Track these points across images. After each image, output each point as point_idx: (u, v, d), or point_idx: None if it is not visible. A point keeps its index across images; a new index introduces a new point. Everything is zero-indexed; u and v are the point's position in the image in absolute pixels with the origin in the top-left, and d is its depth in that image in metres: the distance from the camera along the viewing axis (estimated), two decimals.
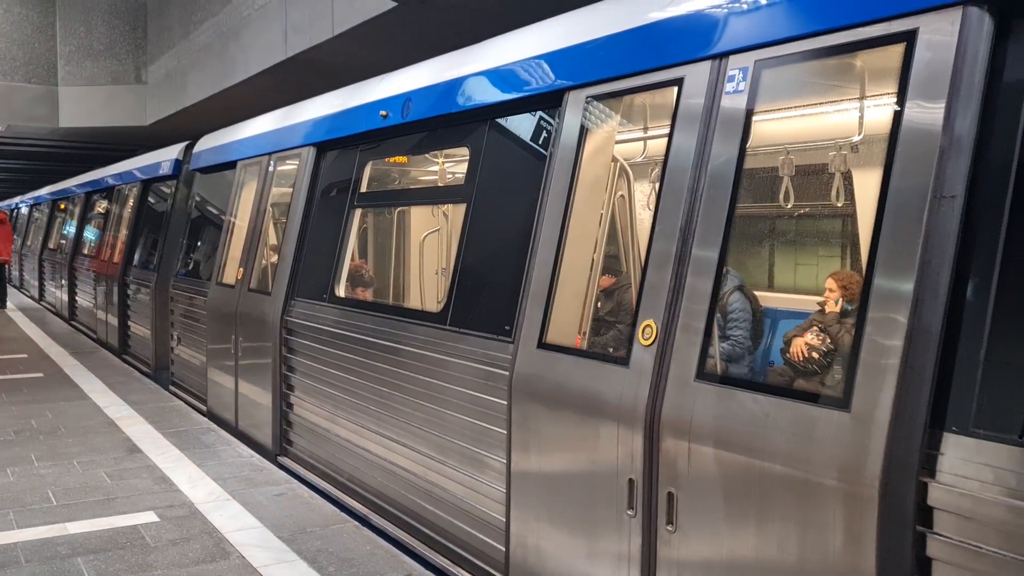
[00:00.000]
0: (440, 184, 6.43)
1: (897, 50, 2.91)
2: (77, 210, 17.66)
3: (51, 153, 25.94)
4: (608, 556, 3.73)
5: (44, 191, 23.49)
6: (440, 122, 5.56)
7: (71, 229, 18.02)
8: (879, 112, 3.23)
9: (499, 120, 5.03)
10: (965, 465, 2.59)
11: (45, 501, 5.85)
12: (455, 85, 5.32)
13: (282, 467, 6.96)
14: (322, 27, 10.91)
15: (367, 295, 6.98)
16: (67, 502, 5.84)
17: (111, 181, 14.85)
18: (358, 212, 6.65)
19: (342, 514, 5.69)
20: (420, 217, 7.45)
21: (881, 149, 2.92)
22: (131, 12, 20.49)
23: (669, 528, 3.43)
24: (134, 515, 5.59)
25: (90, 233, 16.41)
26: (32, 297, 22.22)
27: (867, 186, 3.20)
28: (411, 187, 7.39)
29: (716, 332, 3.46)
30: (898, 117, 2.85)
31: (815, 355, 3.98)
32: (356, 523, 5.52)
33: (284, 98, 10.35)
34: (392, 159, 6.66)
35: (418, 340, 5.29)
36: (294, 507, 5.79)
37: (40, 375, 10.78)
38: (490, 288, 4.90)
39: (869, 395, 2.76)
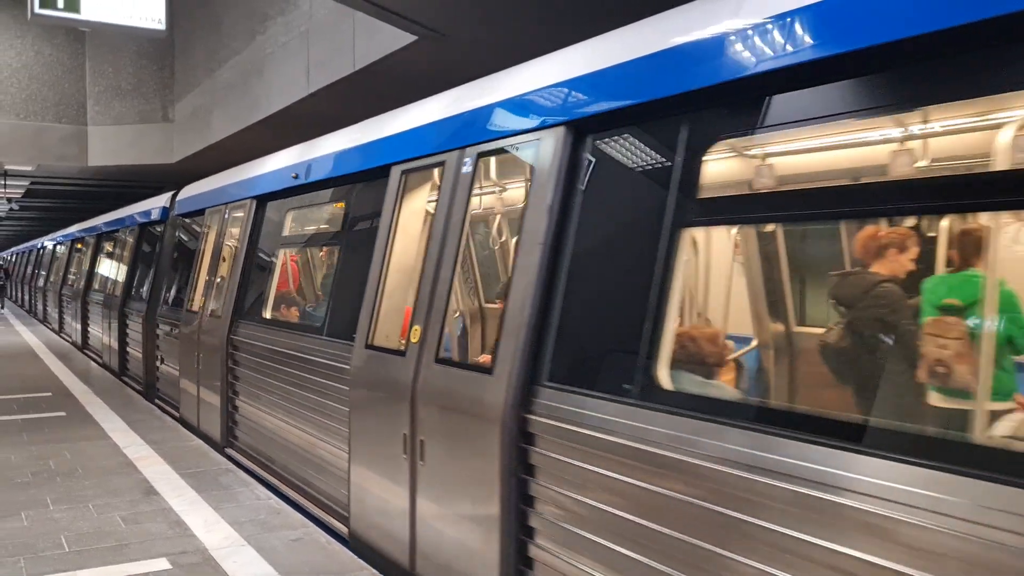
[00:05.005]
0: (329, 230, 8.24)
1: (532, 149, 4.66)
2: (89, 250, 19.71)
3: (80, 192, 26.70)
4: (394, 481, 5.45)
5: (67, 231, 25.43)
6: (323, 184, 7.41)
7: (83, 267, 20.05)
8: (525, 187, 4.99)
9: (357, 184, 6.85)
10: (548, 405, 4.28)
11: (57, 547, 5.76)
12: (322, 159, 7.17)
13: (228, 457, 8.71)
14: (343, 63, 10.93)
15: (285, 316, 8.78)
16: (79, 548, 5.75)
17: (117, 224, 16.87)
18: (282, 251, 8.48)
19: (359, 561, 5.62)
20: (323, 255, 9.19)
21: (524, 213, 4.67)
22: (158, 52, 20.59)
23: (422, 463, 5.14)
24: (146, 562, 5.51)
25: (98, 270, 18.46)
26: (54, 330, 23.99)
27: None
28: (315, 232, 9.16)
29: (445, 333, 5.21)
30: (529, 190, 4.60)
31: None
32: (372, 570, 5.47)
33: (305, 133, 10.17)
34: (303, 210, 8.50)
35: (306, 347, 7.07)
36: (310, 553, 5.72)
37: (63, 414, 10.74)
38: (349, 306, 6.66)
39: (502, 365, 4.47)
